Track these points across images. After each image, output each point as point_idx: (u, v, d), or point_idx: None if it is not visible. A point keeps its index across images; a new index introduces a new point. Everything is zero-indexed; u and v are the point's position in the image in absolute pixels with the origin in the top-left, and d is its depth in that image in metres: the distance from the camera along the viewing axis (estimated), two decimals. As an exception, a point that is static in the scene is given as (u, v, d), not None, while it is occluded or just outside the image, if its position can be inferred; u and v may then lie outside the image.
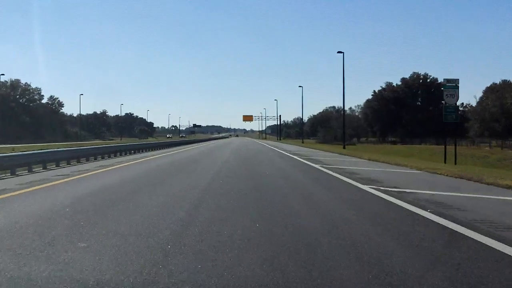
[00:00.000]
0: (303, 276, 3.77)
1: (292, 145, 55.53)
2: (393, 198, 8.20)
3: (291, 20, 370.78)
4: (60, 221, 6.06)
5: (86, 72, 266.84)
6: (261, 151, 35.29)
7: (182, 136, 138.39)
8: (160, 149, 39.59)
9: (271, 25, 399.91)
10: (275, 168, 17.08)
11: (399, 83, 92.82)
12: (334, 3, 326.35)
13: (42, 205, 7.51)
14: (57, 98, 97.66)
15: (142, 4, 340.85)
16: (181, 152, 32.89)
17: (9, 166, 13.49)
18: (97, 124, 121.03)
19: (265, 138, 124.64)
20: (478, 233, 5.31)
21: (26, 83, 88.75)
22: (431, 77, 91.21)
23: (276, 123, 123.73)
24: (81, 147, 25.34)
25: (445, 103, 22.52)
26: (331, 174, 13.80)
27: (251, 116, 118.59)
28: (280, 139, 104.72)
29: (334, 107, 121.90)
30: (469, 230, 5.48)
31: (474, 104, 77.11)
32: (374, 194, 8.94)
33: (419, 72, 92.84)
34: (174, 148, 42.92)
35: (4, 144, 44.58)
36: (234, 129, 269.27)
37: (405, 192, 9.14)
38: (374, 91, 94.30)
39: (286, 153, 30.04)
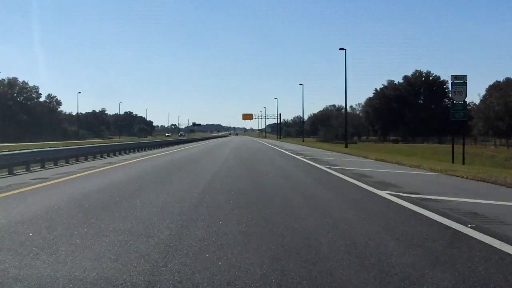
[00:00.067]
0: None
1: (292, 144, 54.90)
2: (419, 208, 7.04)
3: (291, 20, 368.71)
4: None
5: (86, 71, 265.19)
6: (261, 149, 34.89)
7: (181, 135, 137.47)
8: (159, 147, 39.39)
9: (271, 25, 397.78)
10: (275, 167, 16.97)
11: (401, 81, 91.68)
12: (334, 3, 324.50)
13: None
14: (55, 97, 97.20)
15: (142, 4, 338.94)
16: (181, 151, 32.64)
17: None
18: (96, 123, 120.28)
19: (265, 137, 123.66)
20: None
21: (23, 81, 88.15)
22: (433, 75, 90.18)
23: (276, 122, 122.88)
24: (84, 146, 25.34)
25: (453, 100, 21.65)
26: (345, 179, 11.95)
27: (251, 114, 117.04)
28: (280, 138, 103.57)
29: (334, 105, 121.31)
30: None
31: (477, 102, 76.07)
32: (396, 202, 7.75)
33: (422, 70, 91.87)
34: (174, 147, 42.63)
35: (3, 143, 43.66)
36: (234, 127, 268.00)
37: (429, 199, 8.01)
38: (376, 89, 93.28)
39: (287, 152, 29.65)
